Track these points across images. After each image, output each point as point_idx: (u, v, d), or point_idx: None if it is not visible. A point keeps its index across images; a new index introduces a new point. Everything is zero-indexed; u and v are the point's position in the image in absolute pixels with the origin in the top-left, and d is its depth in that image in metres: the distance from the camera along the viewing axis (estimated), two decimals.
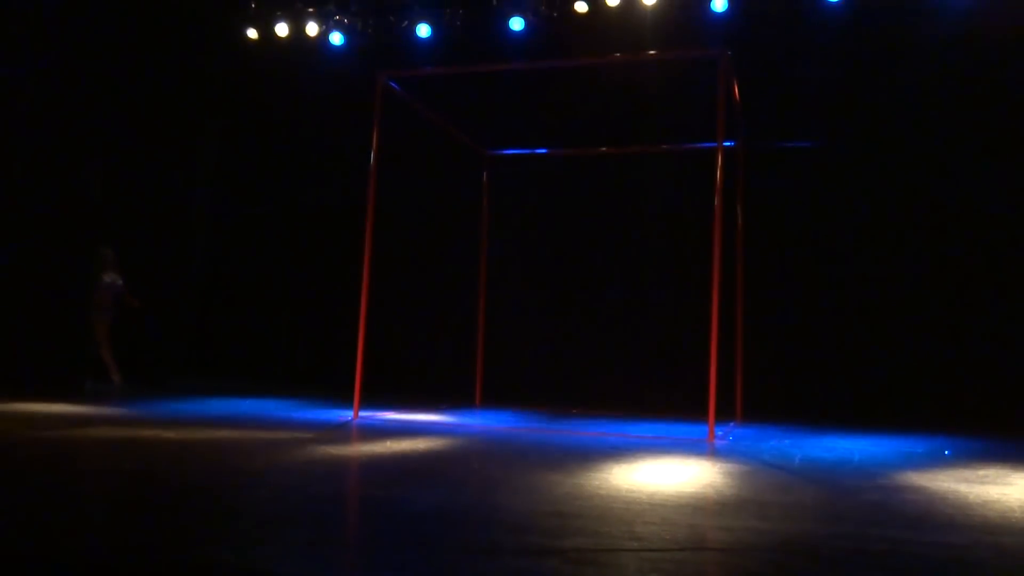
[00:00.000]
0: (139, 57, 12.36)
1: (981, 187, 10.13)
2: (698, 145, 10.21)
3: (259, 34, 12.41)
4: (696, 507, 4.25)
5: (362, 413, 8.27)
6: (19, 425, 6.77)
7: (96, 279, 10.73)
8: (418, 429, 7.46)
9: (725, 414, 8.43)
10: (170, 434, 6.46)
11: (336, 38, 12.00)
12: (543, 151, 11.14)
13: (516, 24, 11.13)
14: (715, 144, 7.62)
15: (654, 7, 10.78)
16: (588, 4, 11.03)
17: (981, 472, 5.51)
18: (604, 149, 11.19)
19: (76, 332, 10.85)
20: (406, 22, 11.71)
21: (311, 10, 12.02)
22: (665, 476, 5.23)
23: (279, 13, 12.13)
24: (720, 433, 7.26)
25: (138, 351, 12.20)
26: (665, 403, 10.01)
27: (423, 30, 11.62)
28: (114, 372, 10.64)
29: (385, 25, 11.86)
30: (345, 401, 8.45)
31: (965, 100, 10.19)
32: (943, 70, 10.17)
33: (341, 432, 7.07)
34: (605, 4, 10.94)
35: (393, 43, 11.88)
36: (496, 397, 10.70)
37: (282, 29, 12.12)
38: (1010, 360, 9.83)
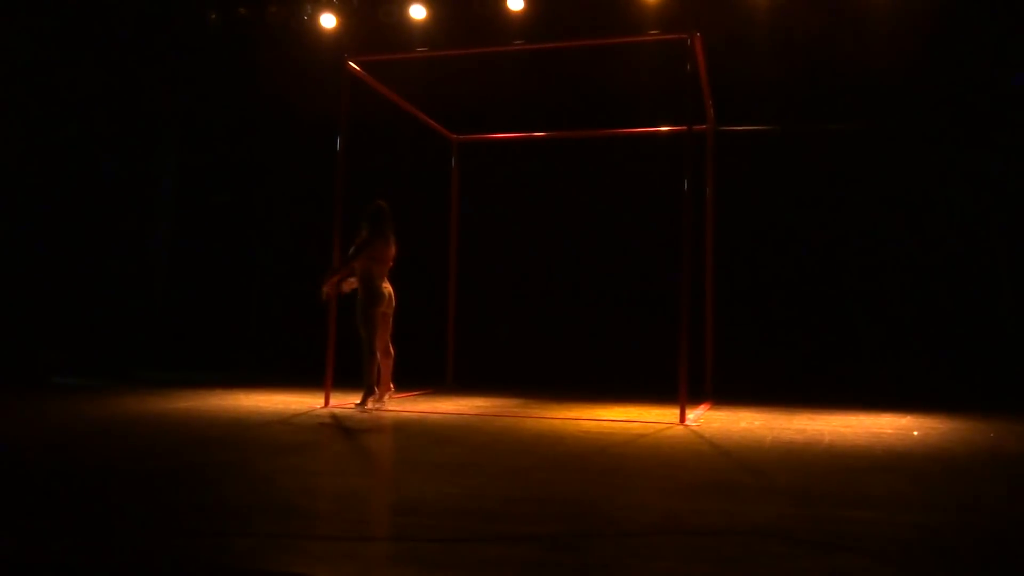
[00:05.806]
0: (101, 43, 12.12)
1: (949, 170, 10.23)
2: (668, 128, 10.24)
3: (220, 17, 12.21)
4: (670, 490, 4.26)
5: (333, 401, 8.20)
6: None
7: (371, 247, 7.64)
8: (390, 415, 7.41)
9: (696, 396, 8.46)
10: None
11: (302, 21, 11.82)
12: (512, 135, 11.08)
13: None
14: (685, 127, 7.62)
15: None
16: None
17: (949, 451, 5.57)
18: (573, 133, 11.15)
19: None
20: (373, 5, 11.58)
21: None
22: (638, 459, 5.24)
23: None
24: (691, 415, 7.29)
25: (100, 342, 12.07)
26: (637, 385, 10.03)
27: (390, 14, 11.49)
28: (381, 385, 7.91)
29: (352, 8, 11.70)
30: (316, 390, 8.36)
31: (936, 81, 10.27)
32: (914, 50, 10.21)
33: (310, 421, 7.01)
34: None
35: (361, 26, 11.75)
36: (468, 382, 10.67)
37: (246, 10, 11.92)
38: (976, 341, 9.97)
